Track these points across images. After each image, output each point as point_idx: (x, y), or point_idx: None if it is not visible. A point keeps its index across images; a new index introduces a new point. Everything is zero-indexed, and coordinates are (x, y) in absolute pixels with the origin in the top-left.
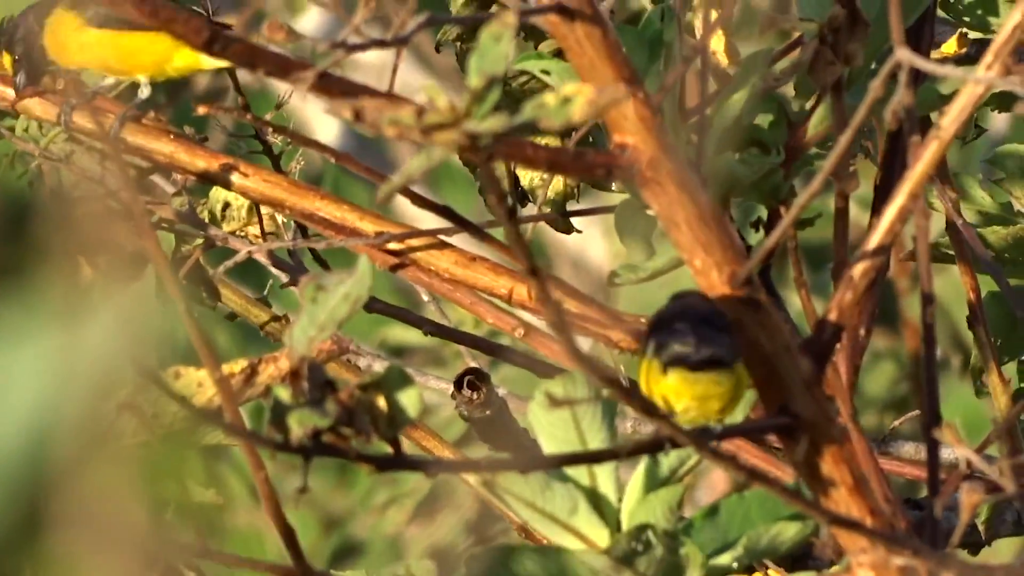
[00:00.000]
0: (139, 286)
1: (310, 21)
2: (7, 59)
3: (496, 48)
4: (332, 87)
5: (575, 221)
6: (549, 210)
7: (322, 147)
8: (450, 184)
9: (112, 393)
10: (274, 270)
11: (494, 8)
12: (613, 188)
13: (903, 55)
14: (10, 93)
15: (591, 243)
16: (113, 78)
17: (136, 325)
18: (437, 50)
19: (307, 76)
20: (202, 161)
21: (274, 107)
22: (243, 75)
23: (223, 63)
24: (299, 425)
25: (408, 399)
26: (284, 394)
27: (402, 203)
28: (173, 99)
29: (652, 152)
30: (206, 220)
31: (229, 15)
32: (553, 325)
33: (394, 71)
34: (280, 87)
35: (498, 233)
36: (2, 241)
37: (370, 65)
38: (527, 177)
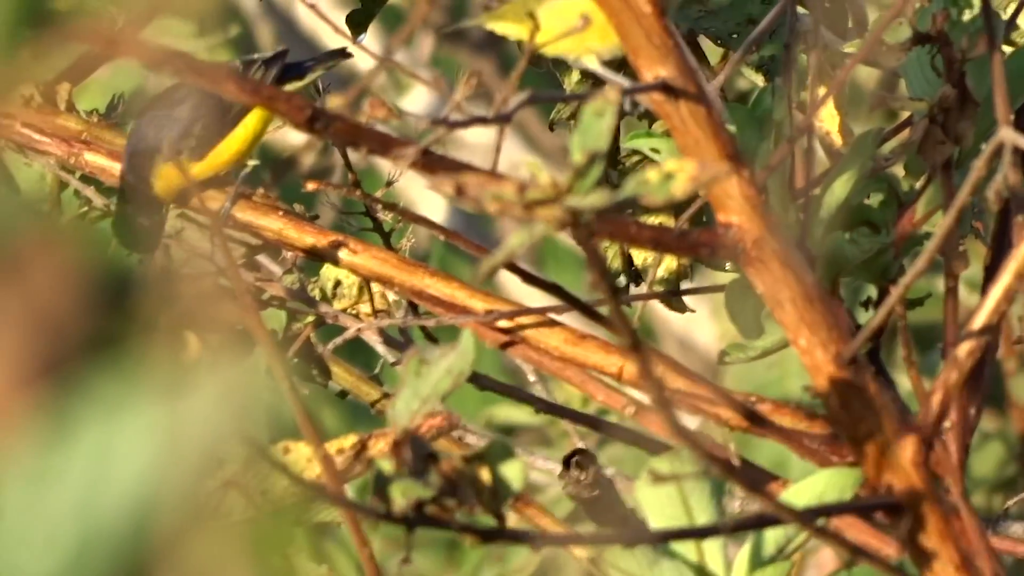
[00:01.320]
0: (247, 363)
1: (417, 99)
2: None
3: (598, 124)
4: (435, 164)
5: (686, 300)
6: (661, 288)
7: (431, 224)
8: (559, 262)
9: (218, 468)
10: (384, 348)
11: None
12: (727, 268)
13: (1006, 134)
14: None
15: (698, 323)
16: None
17: (243, 400)
18: (551, 129)
19: (409, 153)
20: (311, 238)
21: (384, 184)
22: (353, 152)
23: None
24: (402, 496)
25: (511, 472)
26: (387, 466)
27: (512, 281)
28: (282, 176)
29: (757, 231)
30: (317, 297)
31: (335, 93)
32: (655, 400)
33: (497, 149)
34: (388, 165)
35: (608, 312)
36: (108, 314)
37: (476, 144)
38: (640, 257)
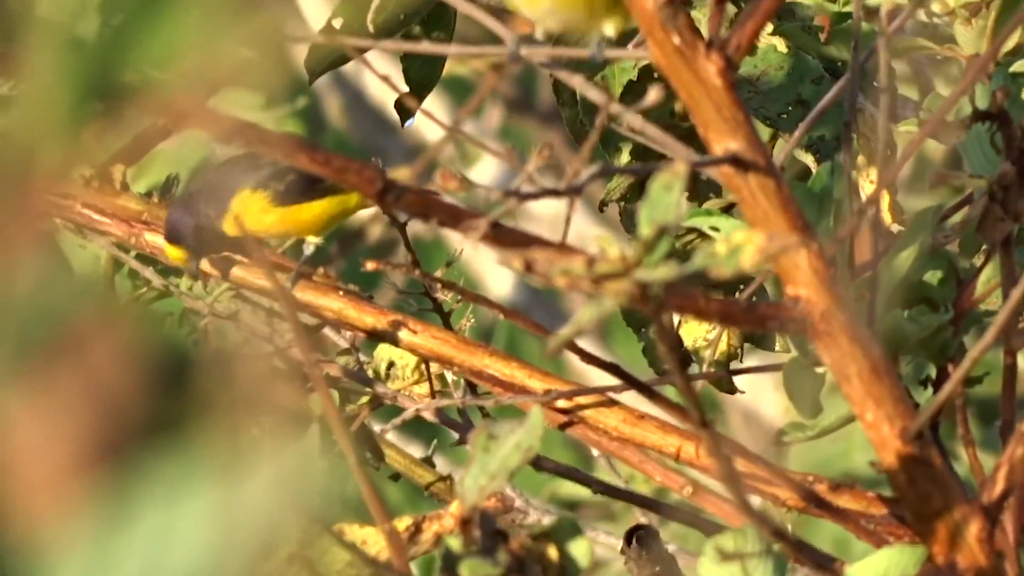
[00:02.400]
0: (303, 444)
1: (484, 171)
2: (174, 252)
3: (667, 197)
4: (504, 237)
5: (745, 377)
6: (713, 369)
7: (492, 304)
8: (622, 338)
9: (276, 549)
10: (443, 427)
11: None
12: (776, 348)
13: None
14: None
15: (763, 396)
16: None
17: (300, 481)
18: (601, 209)
19: (479, 225)
20: (371, 318)
21: (445, 264)
22: (415, 228)
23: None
24: (470, 574)
25: (579, 550)
26: (455, 543)
27: (571, 361)
28: (348, 251)
29: (825, 304)
30: (373, 377)
31: (402, 165)
32: (724, 479)
33: (567, 221)
34: (455, 238)
35: (667, 391)
36: (164, 396)
37: (545, 216)
38: (691, 338)
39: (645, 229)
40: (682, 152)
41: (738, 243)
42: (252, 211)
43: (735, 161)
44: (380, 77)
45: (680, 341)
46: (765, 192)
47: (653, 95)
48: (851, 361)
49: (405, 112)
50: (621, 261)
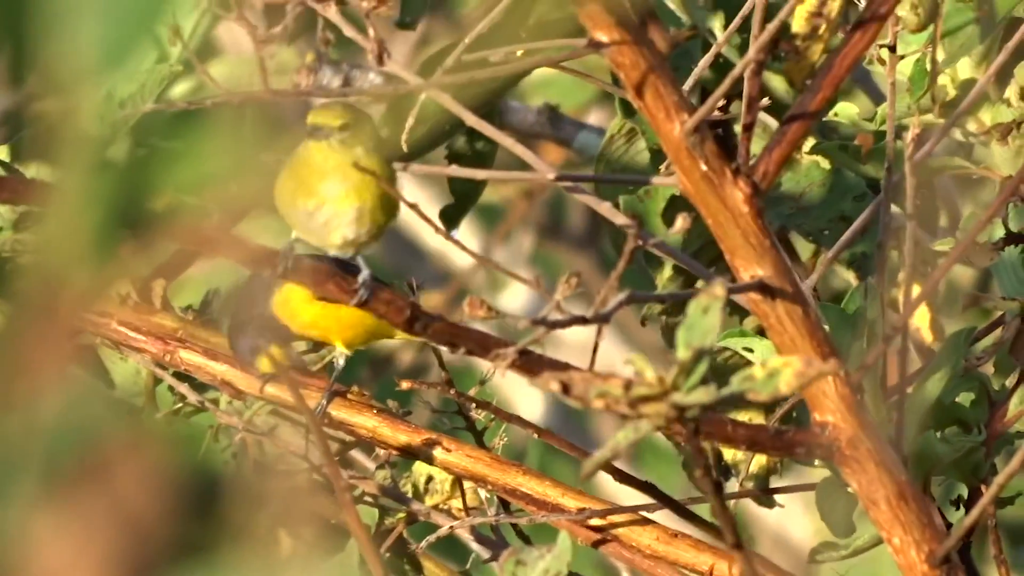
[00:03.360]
0: (342, 557)
1: (515, 296)
2: (264, 364)
3: (704, 320)
4: (533, 364)
5: (777, 496)
6: (751, 485)
7: (524, 423)
8: (653, 459)
9: None
10: (476, 545)
11: (699, 284)
12: (815, 464)
13: None
14: (218, 368)
15: (792, 519)
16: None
17: None
18: (643, 324)
19: (507, 353)
20: (405, 436)
21: (478, 383)
22: (445, 353)
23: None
24: None
25: None
26: None
27: (604, 479)
28: (380, 373)
29: (852, 430)
30: (409, 494)
31: (433, 292)
32: None
33: (595, 348)
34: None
35: (699, 509)
36: (193, 518)
37: (573, 342)
38: (730, 453)
39: (683, 352)
40: (714, 278)
41: (775, 368)
42: (295, 299)
43: (763, 288)
44: (408, 205)
45: (720, 455)
46: (792, 318)
47: (680, 222)
48: (879, 486)
49: (449, 223)
50: (658, 383)
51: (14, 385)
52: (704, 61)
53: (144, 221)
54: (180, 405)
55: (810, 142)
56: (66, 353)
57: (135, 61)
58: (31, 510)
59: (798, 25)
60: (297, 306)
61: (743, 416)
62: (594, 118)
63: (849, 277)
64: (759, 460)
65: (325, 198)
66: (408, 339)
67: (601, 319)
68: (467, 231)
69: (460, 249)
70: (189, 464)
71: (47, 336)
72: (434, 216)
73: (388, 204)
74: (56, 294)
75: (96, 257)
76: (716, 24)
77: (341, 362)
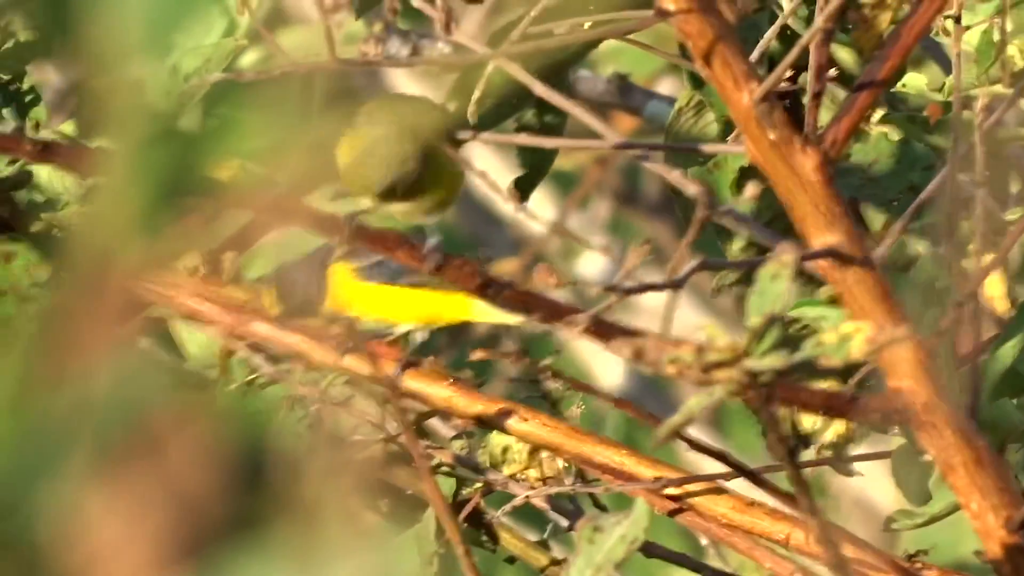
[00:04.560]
0: (418, 529)
1: (593, 263)
2: (268, 297)
3: (775, 287)
4: (606, 330)
5: (857, 464)
6: (830, 453)
7: (600, 393)
8: (738, 424)
9: None
10: (554, 515)
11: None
12: (894, 432)
13: None
14: (290, 339)
15: (875, 484)
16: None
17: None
18: (714, 295)
19: (580, 319)
20: (480, 406)
21: (553, 352)
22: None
23: (495, 315)
24: None
25: None
26: None
27: (680, 447)
28: (453, 344)
29: (928, 396)
30: (486, 464)
31: (508, 259)
32: (833, 566)
33: (668, 314)
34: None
35: (775, 477)
36: (245, 494)
37: (652, 308)
38: (808, 422)
39: (754, 318)
40: (784, 244)
41: (847, 333)
42: (341, 279)
43: (833, 255)
44: (477, 174)
45: (796, 425)
46: (863, 286)
47: (750, 190)
48: (955, 452)
49: (522, 195)
50: (730, 350)
51: (66, 359)
52: (771, 32)
53: (204, 192)
54: (254, 376)
55: (879, 113)
56: (119, 327)
57: (182, 36)
58: (83, 486)
59: None
60: (338, 287)
61: (821, 385)
62: (665, 87)
63: (920, 248)
64: (836, 429)
65: (369, 141)
66: (483, 319)
67: (673, 285)
68: (543, 198)
69: (531, 218)
70: (251, 437)
71: (100, 309)
72: (508, 186)
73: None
74: (109, 266)
75: (149, 229)
76: None
77: (420, 337)
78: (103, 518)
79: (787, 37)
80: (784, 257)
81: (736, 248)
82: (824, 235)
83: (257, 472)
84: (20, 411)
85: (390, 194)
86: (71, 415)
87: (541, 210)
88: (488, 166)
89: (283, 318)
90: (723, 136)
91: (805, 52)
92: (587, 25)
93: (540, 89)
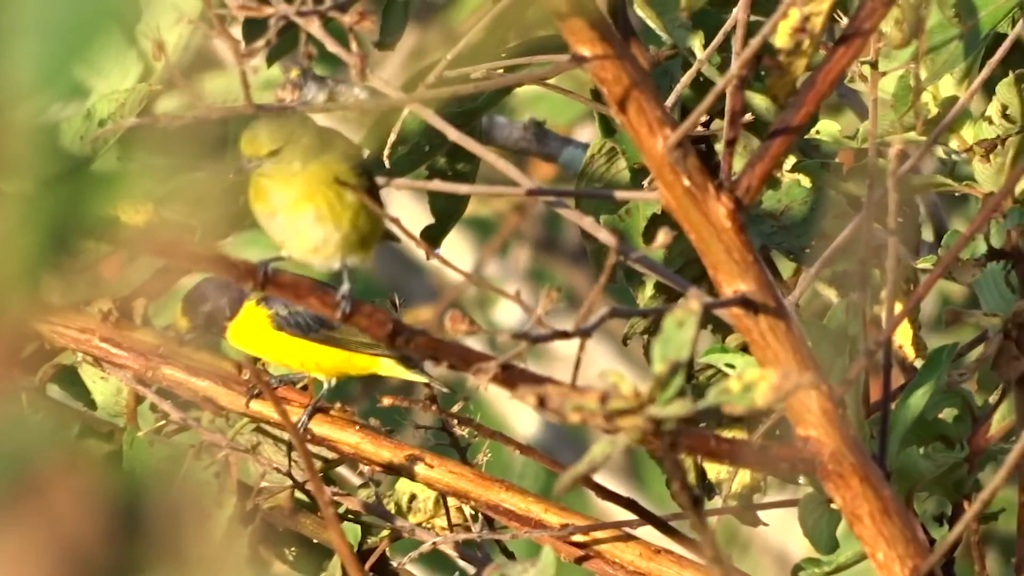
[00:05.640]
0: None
1: (510, 310)
2: (183, 321)
3: (680, 334)
4: (516, 378)
5: (773, 513)
6: (735, 502)
7: (506, 439)
8: (652, 471)
9: None
10: (461, 562)
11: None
12: (800, 481)
13: None
14: (200, 384)
15: (786, 531)
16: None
17: None
18: (624, 343)
19: (489, 367)
20: (387, 452)
21: (461, 399)
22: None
23: (403, 372)
24: None
25: None
26: None
27: (589, 495)
28: (365, 391)
29: (835, 445)
30: (393, 512)
31: (422, 307)
32: None
33: (577, 362)
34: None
35: (683, 525)
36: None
37: (568, 356)
38: (714, 471)
39: (659, 366)
40: (694, 292)
41: (751, 381)
42: (254, 322)
43: (745, 303)
44: (390, 219)
45: (704, 472)
46: (775, 333)
47: (662, 237)
48: (862, 501)
49: (433, 242)
50: (635, 397)
51: None
52: (685, 79)
53: (109, 235)
54: (163, 423)
55: (792, 160)
56: (11, 372)
57: (73, 80)
58: None
59: (781, 40)
60: (251, 332)
61: (728, 434)
62: (585, 134)
63: (831, 295)
64: (742, 478)
65: (276, 208)
66: (390, 375)
67: (582, 333)
68: (462, 245)
69: (445, 265)
70: (147, 485)
71: None
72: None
73: (355, 209)
74: None
75: (41, 273)
76: (696, 43)
77: (327, 385)
78: None
79: (700, 84)
80: (690, 304)
81: (647, 296)
82: (736, 282)
83: (148, 520)
84: None
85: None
86: None
87: (460, 257)
88: (406, 212)
89: (187, 334)
90: (635, 183)
91: (719, 99)
92: (501, 70)
93: (454, 134)
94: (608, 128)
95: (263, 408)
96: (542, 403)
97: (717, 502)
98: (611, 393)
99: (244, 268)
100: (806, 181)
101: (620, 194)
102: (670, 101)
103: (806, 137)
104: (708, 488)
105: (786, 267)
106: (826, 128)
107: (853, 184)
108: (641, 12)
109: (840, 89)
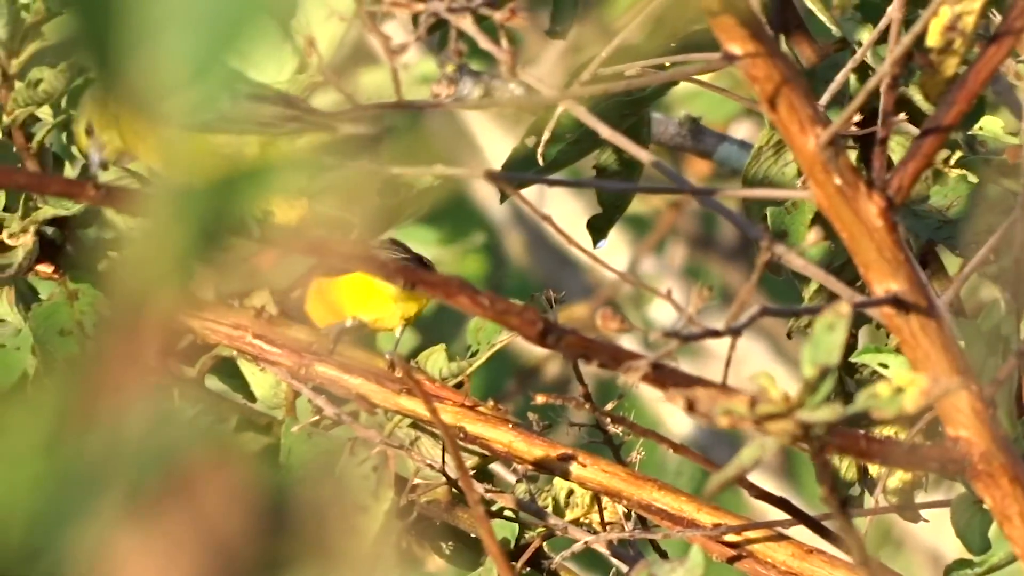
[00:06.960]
0: (480, 573)
1: (665, 308)
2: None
3: (829, 338)
4: (667, 377)
5: (925, 511)
6: (894, 498)
7: (660, 437)
8: (807, 470)
9: None
10: (614, 560)
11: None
12: (957, 480)
13: None
14: (353, 381)
15: (941, 531)
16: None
17: None
18: (789, 337)
19: (640, 366)
20: (540, 450)
21: (616, 397)
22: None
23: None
24: None
25: None
26: None
27: (742, 494)
28: (521, 390)
29: (985, 445)
30: (549, 509)
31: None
32: None
33: (728, 361)
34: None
35: (836, 525)
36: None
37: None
38: (875, 467)
39: (808, 369)
40: (846, 292)
41: (901, 385)
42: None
43: (896, 302)
44: (542, 217)
45: (866, 468)
46: (927, 333)
47: (815, 235)
48: (1012, 502)
49: (599, 233)
50: (784, 401)
51: (100, 401)
52: (844, 72)
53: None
54: (318, 418)
55: (957, 155)
56: (160, 367)
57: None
58: (113, 528)
59: (932, 39)
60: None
61: (886, 430)
62: (742, 130)
63: (994, 291)
64: (902, 476)
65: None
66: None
67: (733, 332)
68: (618, 242)
69: (599, 264)
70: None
71: (136, 350)
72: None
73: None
74: (147, 307)
75: (179, 276)
76: (865, 35)
77: (348, 323)
78: (132, 560)
79: (867, 76)
80: (840, 308)
81: (812, 291)
82: (887, 282)
83: (303, 513)
84: (53, 452)
85: None
86: (104, 457)
87: (617, 254)
88: (561, 209)
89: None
90: (801, 177)
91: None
92: (663, 65)
93: (605, 131)
94: None
95: (415, 405)
96: (691, 406)
97: (878, 498)
98: (760, 397)
99: (394, 267)
100: (972, 177)
101: (772, 192)
102: (827, 95)
103: (971, 133)
104: (870, 484)
105: (952, 263)
106: (989, 125)
107: (1017, 181)
108: (810, 3)
109: (996, 87)
